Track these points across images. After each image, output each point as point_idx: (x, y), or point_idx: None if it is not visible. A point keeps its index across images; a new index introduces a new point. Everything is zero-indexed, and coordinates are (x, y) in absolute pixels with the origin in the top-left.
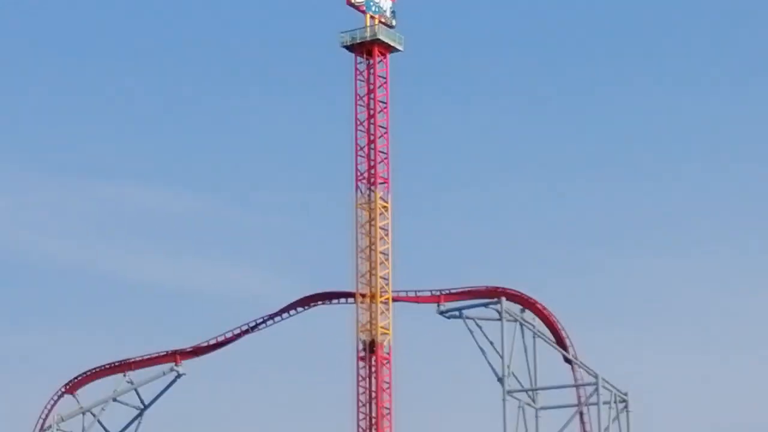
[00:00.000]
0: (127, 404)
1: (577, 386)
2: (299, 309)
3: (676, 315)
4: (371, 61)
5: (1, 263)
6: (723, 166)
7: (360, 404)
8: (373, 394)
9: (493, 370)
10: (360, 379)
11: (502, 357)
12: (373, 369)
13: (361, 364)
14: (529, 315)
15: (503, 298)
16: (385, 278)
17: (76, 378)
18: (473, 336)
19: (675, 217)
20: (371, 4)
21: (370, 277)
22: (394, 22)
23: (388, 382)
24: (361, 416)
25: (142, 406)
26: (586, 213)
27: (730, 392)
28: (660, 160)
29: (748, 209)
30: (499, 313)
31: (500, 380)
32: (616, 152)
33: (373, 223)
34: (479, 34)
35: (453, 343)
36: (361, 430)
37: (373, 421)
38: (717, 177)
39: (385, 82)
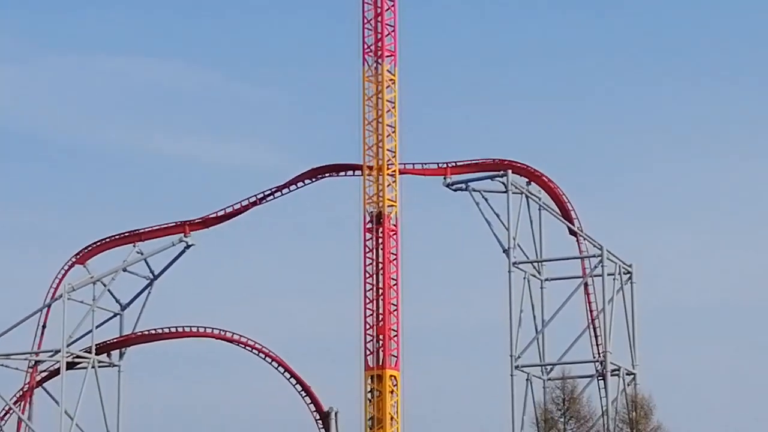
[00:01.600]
0: (137, 274)
1: (582, 258)
2: (307, 181)
3: (681, 187)
4: None
5: (13, 137)
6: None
7: (367, 275)
8: (380, 266)
9: (499, 242)
10: (367, 250)
11: (508, 229)
12: (380, 241)
13: (368, 235)
14: (535, 188)
15: (509, 171)
16: (391, 151)
17: (86, 248)
18: (479, 208)
19: (683, 89)
20: None
21: (377, 149)
22: None
23: (394, 254)
24: (368, 287)
25: (152, 276)
26: (593, 88)
27: (734, 265)
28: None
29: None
30: (506, 185)
31: (506, 252)
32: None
33: (380, 95)
34: None
35: (459, 216)
36: (368, 300)
37: (380, 291)
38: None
39: None
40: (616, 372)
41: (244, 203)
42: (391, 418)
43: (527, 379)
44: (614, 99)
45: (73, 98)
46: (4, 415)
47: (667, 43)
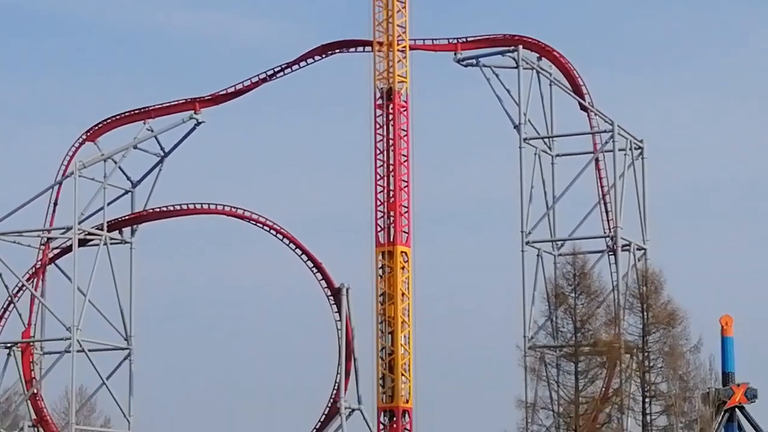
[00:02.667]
0: (147, 152)
1: (592, 134)
2: (317, 57)
3: (694, 62)
4: None
5: (26, 13)
6: None
7: (377, 152)
8: (391, 142)
9: (510, 117)
10: (377, 127)
11: (518, 105)
12: (391, 117)
13: (379, 112)
14: (545, 63)
15: (520, 46)
16: (402, 26)
17: (96, 126)
18: (490, 84)
19: None
20: None
21: (387, 25)
22: None
23: (405, 130)
24: (379, 164)
25: (163, 154)
26: None
27: (746, 139)
28: None
29: None
30: (516, 60)
31: (516, 128)
32: None
33: None
34: None
35: (470, 92)
36: (378, 177)
37: (391, 168)
38: None
39: None
40: (627, 247)
41: (254, 80)
42: (402, 294)
43: (538, 255)
44: None
45: None
46: (17, 291)
47: None
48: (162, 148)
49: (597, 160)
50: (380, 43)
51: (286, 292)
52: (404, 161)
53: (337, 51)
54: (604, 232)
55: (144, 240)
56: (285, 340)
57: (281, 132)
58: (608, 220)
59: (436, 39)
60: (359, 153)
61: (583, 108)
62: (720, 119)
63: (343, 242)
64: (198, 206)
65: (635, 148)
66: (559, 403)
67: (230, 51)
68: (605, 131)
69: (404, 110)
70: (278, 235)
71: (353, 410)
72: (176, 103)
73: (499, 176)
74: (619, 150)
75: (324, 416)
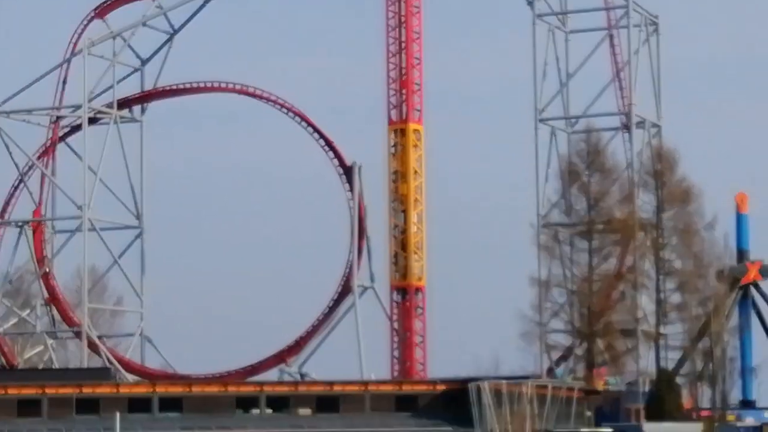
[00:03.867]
0: (157, 29)
1: (607, 9)
2: None
3: None
4: None
5: None
6: None
7: (389, 29)
8: (403, 19)
9: None
10: (389, 3)
11: None
12: None
13: None
14: None
15: None
16: None
17: (105, 2)
18: None
19: None
20: None
21: None
22: None
23: (417, 6)
24: (391, 41)
25: (172, 31)
26: None
27: (761, 15)
28: None
29: None
30: None
31: (530, 4)
32: None
33: None
34: None
35: None
36: (390, 54)
37: (403, 45)
38: None
39: None
40: (641, 124)
41: None
42: (415, 172)
43: (551, 133)
44: None
45: None
46: (28, 170)
47: None
48: (171, 26)
49: (611, 37)
50: None
51: (298, 171)
52: (416, 38)
53: None
54: (619, 110)
55: (154, 118)
56: (297, 219)
57: (293, 9)
58: (622, 97)
59: None
60: (372, 30)
61: None
62: None
63: (355, 120)
64: (208, 84)
65: (650, 24)
66: (572, 280)
67: None
68: (620, 7)
69: None
70: (290, 114)
71: (366, 288)
72: None
73: (512, 53)
74: (634, 26)
75: (337, 294)
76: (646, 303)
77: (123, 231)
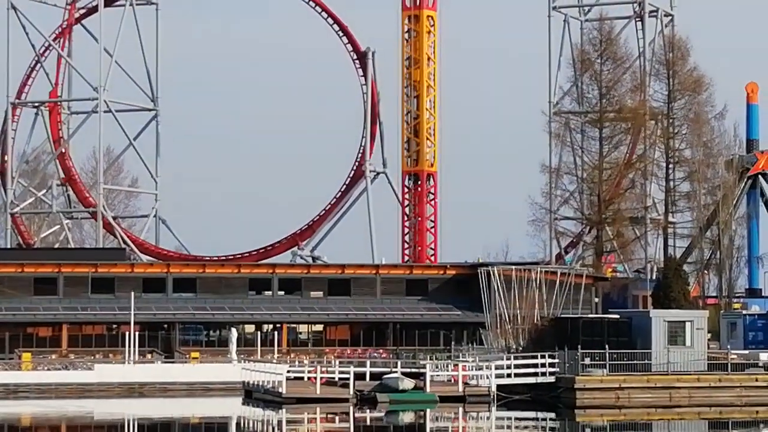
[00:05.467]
0: None
1: None
2: None
3: None
4: None
5: None
6: None
7: None
8: None
9: None
10: None
11: None
12: None
13: None
14: None
15: None
16: None
17: None
18: None
19: None
20: None
21: None
22: None
23: None
24: None
25: None
26: None
27: None
28: None
29: None
30: None
31: None
32: None
33: None
34: None
35: None
36: None
37: None
38: None
39: None
40: (654, 13)
41: None
42: (428, 59)
43: (564, 20)
44: None
45: None
46: (44, 51)
47: None
48: None
49: None
50: None
51: (313, 56)
52: None
53: None
54: None
55: (170, 1)
56: (310, 104)
57: None
58: None
59: None
60: None
61: None
62: None
63: (369, 5)
64: None
65: None
66: (583, 168)
67: None
68: None
69: None
70: None
71: (378, 173)
72: None
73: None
74: None
75: (349, 179)
76: (655, 191)
77: (138, 113)
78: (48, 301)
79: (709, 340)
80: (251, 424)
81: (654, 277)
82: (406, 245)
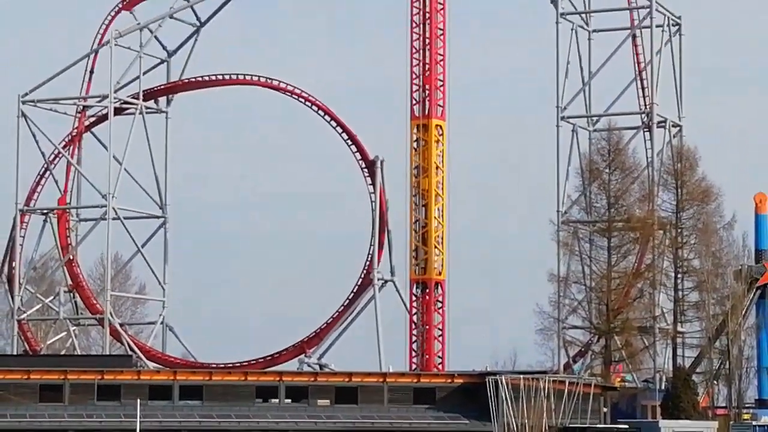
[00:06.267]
0: (183, 21)
1: (630, 9)
2: None
3: None
4: None
5: None
6: None
7: (414, 25)
8: (427, 15)
9: None
10: (413, 0)
11: None
12: None
13: None
14: None
15: None
16: None
17: None
18: None
19: None
20: None
21: None
22: None
23: (442, 4)
24: (415, 36)
25: (199, 24)
26: None
27: None
28: None
29: None
30: None
31: (554, 2)
32: None
33: None
34: None
35: None
36: (414, 50)
37: (427, 42)
38: None
39: None
40: (662, 124)
41: None
42: (437, 167)
43: (573, 130)
44: None
45: None
46: (53, 159)
47: None
48: (198, 18)
49: (634, 36)
50: None
51: (322, 164)
52: (440, 35)
53: None
54: (640, 109)
55: (179, 109)
56: (319, 212)
57: (318, 3)
58: (644, 97)
59: None
60: (395, 26)
61: None
62: None
63: (378, 115)
64: (233, 77)
65: (673, 25)
66: (591, 277)
67: None
68: (643, 7)
69: None
70: (313, 107)
71: (386, 281)
72: None
73: (535, 51)
74: (657, 26)
75: (357, 287)
76: (663, 301)
77: (147, 220)
78: (53, 408)
79: None
80: None
81: (663, 387)
82: (414, 353)
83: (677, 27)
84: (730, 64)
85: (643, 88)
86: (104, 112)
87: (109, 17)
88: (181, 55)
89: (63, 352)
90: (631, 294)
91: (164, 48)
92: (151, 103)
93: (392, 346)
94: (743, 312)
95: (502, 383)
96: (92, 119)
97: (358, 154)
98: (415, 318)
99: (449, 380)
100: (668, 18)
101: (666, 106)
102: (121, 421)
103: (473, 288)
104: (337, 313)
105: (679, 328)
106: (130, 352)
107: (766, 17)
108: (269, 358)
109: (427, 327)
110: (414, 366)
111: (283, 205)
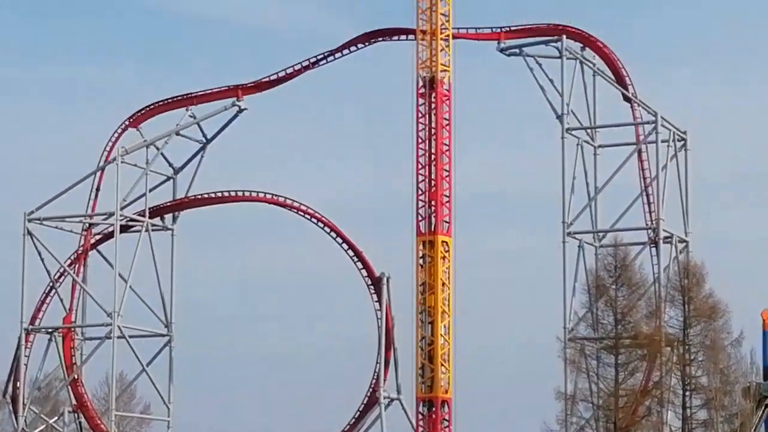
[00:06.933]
0: (190, 138)
1: (635, 125)
2: (360, 45)
3: (736, 52)
4: None
5: None
6: None
7: (419, 140)
8: (433, 131)
9: (553, 107)
10: (419, 115)
11: (561, 95)
12: (433, 106)
13: (421, 101)
14: (589, 53)
15: (564, 36)
16: (445, 15)
17: (139, 112)
18: (533, 73)
19: None
20: None
21: (431, 13)
22: None
23: (447, 119)
24: (421, 152)
25: (205, 140)
26: None
27: None
28: None
29: None
30: (560, 50)
31: (559, 118)
32: None
33: None
34: None
35: (512, 81)
36: (420, 166)
37: (433, 157)
38: None
39: None
40: (669, 239)
41: (297, 68)
42: (443, 284)
43: (579, 246)
44: None
45: None
46: (59, 277)
47: None
48: (204, 135)
49: (639, 152)
50: (423, 32)
51: (328, 281)
52: (446, 150)
53: (380, 39)
54: (646, 224)
55: (185, 227)
56: (325, 329)
57: (323, 120)
58: (650, 212)
59: (479, 28)
60: (401, 142)
61: (627, 99)
62: (764, 110)
63: (384, 231)
64: (239, 194)
65: (678, 140)
66: (598, 395)
67: (273, 39)
68: (648, 122)
69: (446, 99)
70: (319, 224)
71: (392, 400)
72: (219, 89)
73: (541, 166)
74: (662, 141)
75: (363, 405)
76: (672, 419)
77: (152, 338)
78: None
79: None
80: None
81: None
82: None
83: (683, 142)
84: (736, 178)
85: (649, 204)
86: (110, 229)
87: (116, 134)
88: (188, 172)
89: None
90: (639, 412)
91: (170, 165)
92: (157, 220)
93: None
94: (752, 429)
95: None
96: (98, 237)
97: (364, 271)
98: None
99: None
100: (674, 133)
101: (672, 221)
102: None
103: (480, 406)
104: None
105: None
106: None
107: None
108: None
109: None
110: None
111: (288, 323)
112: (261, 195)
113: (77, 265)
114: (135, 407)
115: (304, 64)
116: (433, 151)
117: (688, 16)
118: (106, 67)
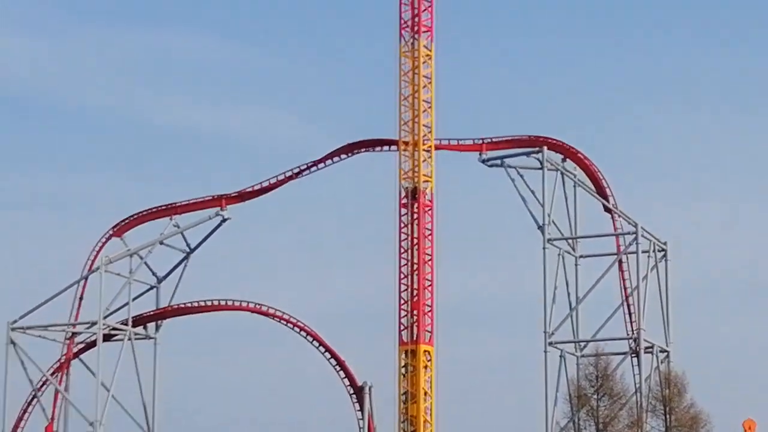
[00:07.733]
0: (173, 247)
1: (616, 235)
2: (343, 156)
3: (718, 165)
4: None
5: (50, 107)
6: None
7: (402, 251)
8: (415, 241)
9: (534, 218)
10: (402, 225)
11: (542, 205)
12: (415, 216)
13: (404, 211)
14: (570, 164)
15: (545, 148)
16: (427, 126)
17: (123, 221)
18: (514, 185)
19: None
20: None
21: (413, 125)
22: None
23: (429, 230)
24: (403, 262)
25: (189, 250)
26: (630, 66)
27: None
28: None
29: None
30: (541, 161)
31: (541, 228)
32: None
33: (416, 71)
34: None
35: (494, 192)
36: (402, 275)
37: (415, 267)
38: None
39: None
40: (650, 349)
41: (281, 178)
42: (425, 393)
43: (561, 356)
44: (652, 74)
45: (106, 69)
46: (41, 386)
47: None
48: (188, 244)
49: (620, 262)
50: (406, 143)
51: (310, 390)
52: (428, 260)
53: (363, 150)
54: (627, 334)
55: (168, 335)
56: None
57: (306, 229)
58: (631, 322)
59: (461, 139)
60: (384, 252)
61: (607, 209)
62: (745, 221)
63: (367, 340)
64: (222, 302)
65: (659, 250)
66: None
67: (256, 149)
68: (629, 233)
69: (429, 210)
70: (302, 333)
71: None
72: (203, 199)
73: (522, 276)
74: (643, 252)
75: None
76: None
77: None
78: None
79: None
80: None
81: None
82: None
83: (663, 252)
84: (716, 288)
85: (630, 313)
86: (93, 338)
87: (100, 243)
88: (171, 281)
89: None
90: None
91: (154, 274)
92: (140, 329)
93: None
94: None
95: None
96: (81, 346)
97: (346, 380)
98: None
99: None
100: (654, 244)
101: (653, 331)
102: None
103: None
104: None
105: None
106: None
107: (751, 244)
108: None
109: None
110: None
111: (271, 431)
112: (244, 304)
113: (60, 374)
114: None
115: (288, 174)
116: (415, 260)
117: (666, 130)
118: (90, 177)
